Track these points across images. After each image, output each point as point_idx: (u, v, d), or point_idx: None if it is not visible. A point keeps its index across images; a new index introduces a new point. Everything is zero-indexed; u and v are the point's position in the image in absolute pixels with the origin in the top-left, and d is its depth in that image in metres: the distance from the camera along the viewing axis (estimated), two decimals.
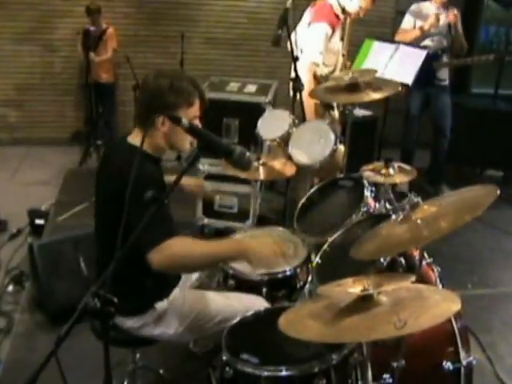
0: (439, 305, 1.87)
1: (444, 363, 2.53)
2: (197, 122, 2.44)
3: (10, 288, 4.33)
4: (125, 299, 1.77)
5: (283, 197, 4.94)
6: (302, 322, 1.99)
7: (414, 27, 5.65)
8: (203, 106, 2.56)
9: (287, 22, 3.93)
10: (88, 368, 3.02)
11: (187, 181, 3.09)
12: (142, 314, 2.56)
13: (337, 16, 4.44)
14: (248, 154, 2.19)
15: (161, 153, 2.55)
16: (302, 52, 4.38)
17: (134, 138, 2.50)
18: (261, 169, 3.35)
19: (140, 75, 6.19)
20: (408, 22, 5.76)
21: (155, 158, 2.51)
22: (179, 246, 2.34)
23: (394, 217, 2.43)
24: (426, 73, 5.21)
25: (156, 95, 2.41)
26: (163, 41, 7.61)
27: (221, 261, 2.75)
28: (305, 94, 3.92)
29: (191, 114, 2.44)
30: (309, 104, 4.23)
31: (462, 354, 2.56)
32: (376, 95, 3.28)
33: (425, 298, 1.92)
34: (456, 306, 1.83)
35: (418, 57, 4.85)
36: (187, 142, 2.50)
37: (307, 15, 4.54)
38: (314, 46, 4.34)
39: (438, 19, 5.50)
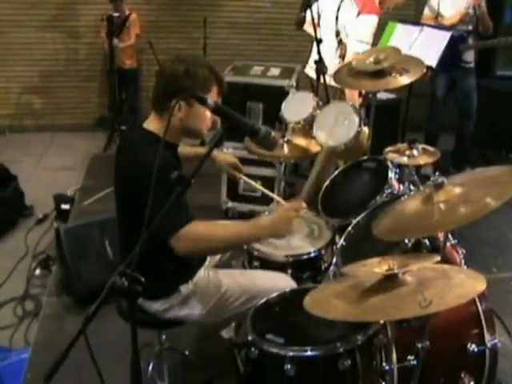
0: (464, 284, 1.87)
1: (469, 345, 2.53)
2: None
3: (38, 272, 4.41)
4: (149, 283, 1.79)
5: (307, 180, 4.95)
6: (327, 302, 2.00)
7: (437, 16, 5.60)
8: (222, 93, 2.55)
9: (311, 4, 3.92)
10: (115, 350, 3.07)
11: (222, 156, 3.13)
12: (167, 297, 2.59)
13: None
14: (273, 133, 2.19)
15: (176, 139, 2.55)
16: (337, 35, 4.43)
17: (150, 124, 2.51)
18: (285, 146, 3.36)
19: (163, 61, 6.19)
20: (429, 10, 5.71)
21: (171, 143, 2.51)
22: (200, 230, 2.38)
23: (414, 193, 2.41)
24: (451, 55, 5.16)
25: (172, 80, 2.42)
26: (186, 26, 7.59)
27: (242, 243, 2.78)
28: None
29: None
30: (351, 93, 4.28)
31: (487, 337, 2.56)
32: (403, 80, 3.23)
33: (450, 277, 1.92)
34: (481, 285, 1.83)
35: (442, 38, 4.80)
36: (204, 127, 2.51)
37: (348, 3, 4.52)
38: (362, 37, 4.34)
39: (466, 14, 5.47)
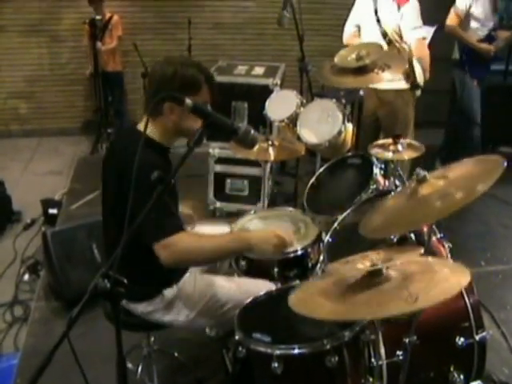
0: (449, 278, 1.85)
1: (457, 339, 2.53)
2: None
3: (26, 277, 4.39)
4: (132, 284, 1.75)
5: (294, 178, 4.95)
6: (312, 300, 1.99)
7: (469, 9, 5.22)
8: (213, 91, 2.51)
9: (292, 1, 3.92)
10: (103, 353, 3.05)
11: None
12: (150, 300, 2.56)
13: None
14: (253, 131, 2.18)
15: (170, 141, 2.53)
16: (385, 36, 4.33)
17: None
18: (270, 149, 3.32)
19: (148, 62, 6.22)
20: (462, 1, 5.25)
21: (163, 146, 2.49)
22: (187, 242, 2.35)
23: (399, 190, 2.40)
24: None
25: (161, 83, 2.39)
26: (170, 27, 7.59)
27: (226, 255, 2.75)
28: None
29: (199, 99, 2.36)
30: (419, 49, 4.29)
31: (475, 330, 2.56)
32: (385, 76, 3.20)
33: (434, 271, 1.91)
34: (466, 278, 1.81)
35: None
36: (199, 125, 2.49)
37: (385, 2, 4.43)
38: (414, 23, 4.32)
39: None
